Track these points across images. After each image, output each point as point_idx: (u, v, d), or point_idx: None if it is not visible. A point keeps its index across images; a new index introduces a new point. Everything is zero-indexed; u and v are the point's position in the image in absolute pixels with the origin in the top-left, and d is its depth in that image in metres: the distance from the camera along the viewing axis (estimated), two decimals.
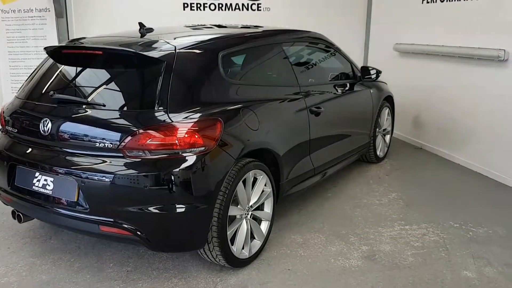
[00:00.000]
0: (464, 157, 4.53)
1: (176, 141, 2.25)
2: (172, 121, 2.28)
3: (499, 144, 4.05)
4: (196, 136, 2.29)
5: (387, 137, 4.84)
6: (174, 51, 2.48)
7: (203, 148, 2.31)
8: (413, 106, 5.31)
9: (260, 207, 2.80)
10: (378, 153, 4.58)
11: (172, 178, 2.26)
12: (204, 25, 3.74)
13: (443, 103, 4.79)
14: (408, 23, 5.32)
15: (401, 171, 4.41)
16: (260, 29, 3.36)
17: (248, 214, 2.65)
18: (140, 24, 2.94)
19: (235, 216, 2.56)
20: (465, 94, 4.44)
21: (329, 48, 3.87)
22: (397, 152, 5.03)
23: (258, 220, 2.77)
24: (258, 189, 2.70)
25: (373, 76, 4.02)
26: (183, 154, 2.27)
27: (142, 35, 2.87)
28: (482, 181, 4.12)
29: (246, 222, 2.63)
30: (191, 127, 2.29)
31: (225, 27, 3.60)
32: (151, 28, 2.96)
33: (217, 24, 3.73)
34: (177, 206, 2.29)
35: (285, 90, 3.09)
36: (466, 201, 3.65)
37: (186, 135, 2.26)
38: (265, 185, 2.76)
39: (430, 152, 5.04)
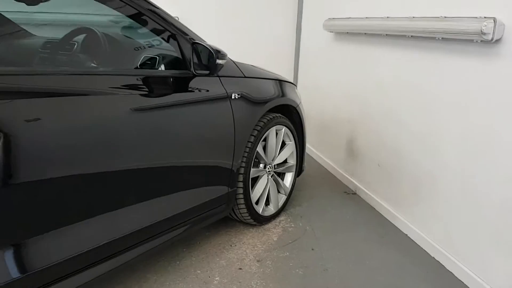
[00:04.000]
0: (417, 226, 2.44)
1: None
2: None
3: (476, 219, 1.97)
4: None
5: (288, 178, 2.76)
6: None
7: None
8: (349, 122, 3.22)
9: None
10: (259, 209, 2.49)
11: None
12: None
13: (387, 121, 2.69)
14: None
15: (293, 250, 2.32)
16: None
17: None
18: None
19: None
20: (423, 107, 2.35)
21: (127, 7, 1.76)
22: (311, 199, 2.95)
23: None
24: None
25: (211, 62, 1.91)
26: None
27: None
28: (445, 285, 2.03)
29: None
30: None
31: None
32: None
33: None
34: None
35: None
36: None
37: None
38: None
39: (365, 202, 2.96)
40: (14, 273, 1.37)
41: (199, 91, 1.96)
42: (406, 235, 2.50)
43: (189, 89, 1.93)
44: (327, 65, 3.59)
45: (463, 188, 2.03)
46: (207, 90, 2.00)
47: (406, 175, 2.50)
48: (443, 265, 2.19)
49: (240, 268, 2.11)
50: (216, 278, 2.03)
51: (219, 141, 2.09)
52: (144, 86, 1.73)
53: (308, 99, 3.88)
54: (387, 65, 2.66)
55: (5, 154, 1.27)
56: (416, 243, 2.41)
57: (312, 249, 2.32)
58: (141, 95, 1.70)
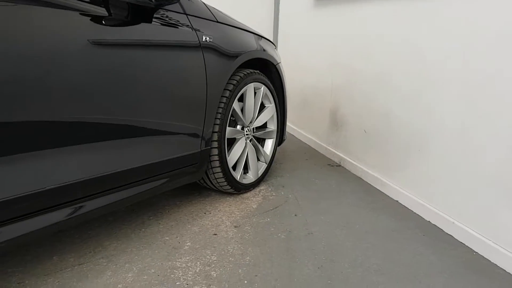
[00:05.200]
0: (409, 190, 2.24)
1: None
2: None
3: (479, 175, 1.77)
4: None
5: (269, 145, 2.52)
6: None
7: None
8: (333, 92, 3.01)
9: None
10: (236, 176, 2.23)
11: None
12: None
13: (375, 85, 2.49)
14: None
15: (274, 216, 2.08)
16: None
17: None
18: None
19: None
20: (415, 64, 2.15)
21: None
22: (294, 171, 2.71)
23: None
24: None
25: None
26: None
27: None
28: (456, 259, 1.82)
29: None
30: None
31: None
32: None
33: None
34: None
35: None
36: None
37: None
38: None
39: (351, 172, 2.75)
40: None
41: (163, 26, 1.70)
42: (397, 201, 2.29)
43: (152, 22, 1.66)
44: (308, 34, 3.39)
45: (462, 144, 1.83)
46: (173, 27, 1.74)
47: (396, 139, 2.29)
48: (440, 228, 1.98)
49: (215, 234, 1.86)
50: (187, 244, 1.76)
51: (188, 89, 1.83)
52: (97, 7, 1.46)
53: (288, 74, 3.66)
54: (372, 23, 2.47)
55: None
56: (408, 208, 2.20)
57: (295, 215, 2.08)
58: (92, 19, 1.42)
